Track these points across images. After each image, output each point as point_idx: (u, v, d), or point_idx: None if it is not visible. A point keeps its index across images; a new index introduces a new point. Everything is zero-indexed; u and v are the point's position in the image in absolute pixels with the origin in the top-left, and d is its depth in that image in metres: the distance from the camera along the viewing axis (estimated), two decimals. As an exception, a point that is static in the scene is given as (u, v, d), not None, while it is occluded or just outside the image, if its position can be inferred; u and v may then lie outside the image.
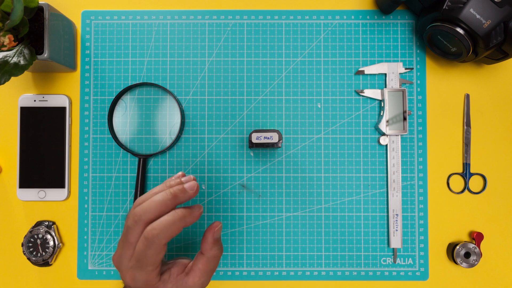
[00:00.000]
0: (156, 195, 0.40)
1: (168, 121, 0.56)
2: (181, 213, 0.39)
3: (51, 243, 0.54)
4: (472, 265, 0.53)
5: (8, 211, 0.56)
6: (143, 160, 0.55)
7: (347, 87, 0.56)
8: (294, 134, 0.56)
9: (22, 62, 0.46)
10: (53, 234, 0.54)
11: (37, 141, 0.55)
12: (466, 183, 0.55)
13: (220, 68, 0.56)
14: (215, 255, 0.42)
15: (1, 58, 0.46)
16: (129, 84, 0.56)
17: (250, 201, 0.55)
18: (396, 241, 0.54)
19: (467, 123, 0.56)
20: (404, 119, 0.54)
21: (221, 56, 0.57)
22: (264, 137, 0.50)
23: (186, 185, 0.40)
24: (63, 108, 0.55)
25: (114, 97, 0.56)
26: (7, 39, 0.43)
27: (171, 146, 0.55)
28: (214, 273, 0.55)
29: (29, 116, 0.55)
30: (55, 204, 0.56)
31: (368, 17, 0.57)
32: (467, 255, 0.53)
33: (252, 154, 0.56)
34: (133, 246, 0.39)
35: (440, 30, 0.49)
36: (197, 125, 0.56)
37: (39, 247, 0.53)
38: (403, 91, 0.55)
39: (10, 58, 0.46)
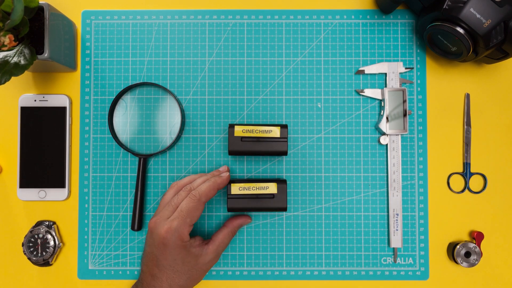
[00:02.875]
0: (201, 176, 0.51)
1: (168, 121, 0.56)
2: (216, 179, 0.50)
3: (52, 243, 0.54)
4: (472, 265, 0.53)
5: (9, 211, 0.56)
6: (143, 160, 0.55)
7: (347, 87, 0.56)
8: (294, 133, 0.56)
9: (22, 62, 0.46)
10: (54, 234, 0.54)
11: (38, 141, 0.55)
12: (466, 183, 0.55)
13: (220, 68, 0.56)
14: (234, 232, 0.52)
15: (1, 58, 0.46)
16: (129, 84, 0.56)
17: (250, 201, 0.55)
18: (396, 241, 0.54)
19: (467, 122, 0.56)
20: (404, 118, 0.54)
21: (221, 56, 0.57)
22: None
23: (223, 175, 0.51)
24: (64, 108, 0.55)
25: (114, 97, 0.56)
26: (7, 39, 0.44)
27: (171, 146, 0.55)
28: (215, 273, 0.55)
29: (29, 116, 0.55)
30: (56, 204, 0.56)
31: (368, 16, 0.57)
32: (468, 254, 0.53)
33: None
34: (175, 207, 0.48)
35: (440, 30, 0.49)
36: (197, 125, 0.56)
37: (39, 247, 0.53)
38: (403, 91, 0.55)
39: (11, 58, 0.46)
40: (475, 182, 0.56)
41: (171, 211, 0.48)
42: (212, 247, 0.49)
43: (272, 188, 0.51)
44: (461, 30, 0.48)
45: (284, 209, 0.50)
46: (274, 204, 0.51)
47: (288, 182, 0.56)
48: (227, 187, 0.52)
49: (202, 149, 0.56)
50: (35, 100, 0.55)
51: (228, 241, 0.51)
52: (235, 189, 0.51)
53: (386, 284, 0.55)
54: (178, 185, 0.51)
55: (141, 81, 0.56)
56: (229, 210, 0.50)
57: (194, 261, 0.48)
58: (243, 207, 0.50)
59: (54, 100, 0.55)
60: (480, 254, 0.53)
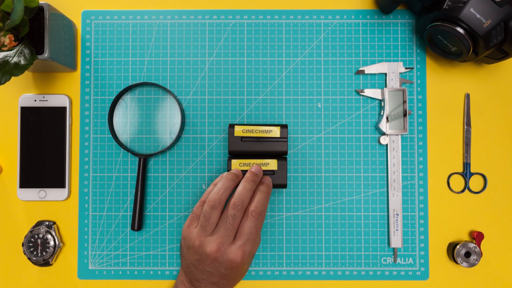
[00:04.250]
0: (242, 186, 0.49)
1: (168, 121, 0.56)
2: (265, 189, 0.49)
3: (52, 243, 0.54)
4: (472, 265, 0.53)
5: (9, 211, 0.56)
6: (144, 160, 0.55)
7: (347, 87, 0.56)
8: (294, 133, 0.56)
9: (22, 62, 0.46)
10: (54, 234, 0.54)
11: (38, 141, 0.55)
12: (466, 183, 0.55)
13: (220, 68, 0.56)
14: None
15: (1, 58, 0.46)
16: (129, 84, 0.56)
17: (250, 201, 0.55)
18: (396, 241, 0.54)
19: (467, 122, 0.56)
20: (404, 118, 0.54)
21: (221, 56, 0.57)
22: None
23: (253, 169, 0.50)
24: (64, 108, 0.55)
25: (114, 97, 0.56)
26: (7, 39, 0.44)
27: (171, 146, 0.55)
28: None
29: (29, 116, 0.55)
30: (56, 204, 0.56)
31: (368, 16, 0.57)
32: (468, 254, 0.53)
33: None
34: (234, 229, 0.47)
35: (440, 30, 0.49)
36: (197, 125, 0.56)
37: (39, 247, 0.53)
38: (403, 91, 0.55)
39: (11, 58, 0.46)
40: (475, 182, 0.56)
41: (231, 234, 0.47)
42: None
43: (272, 164, 0.51)
44: (461, 30, 0.48)
45: (284, 185, 0.51)
46: (275, 181, 0.51)
47: (288, 182, 0.56)
48: (227, 163, 0.52)
49: (202, 149, 0.56)
50: (35, 100, 0.55)
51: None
52: (236, 165, 0.51)
53: (386, 284, 0.55)
54: (212, 201, 0.48)
55: (141, 81, 0.56)
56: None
57: (245, 272, 0.50)
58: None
59: (54, 100, 0.55)
60: (480, 254, 0.53)
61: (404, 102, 0.54)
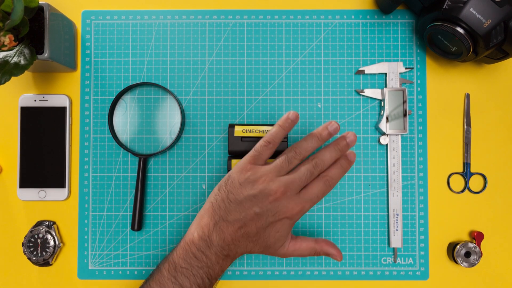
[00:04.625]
0: (328, 150, 0.48)
1: (168, 121, 0.56)
2: (346, 165, 0.48)
3: (52, 243, 0.54)
4: (472, 265, 0.53)
5: (9, 211, 0.56)
6: (143, 160, 0.55)
7: (347, 87, 0.56)
8: (294, 133, 0.56)
9: (22, 62, 0.46)
10: (54, 234, 0.54)
11: (38, 141, 0.55)
12: (466, 183, 0.55)
13: (220, 68, 0.56)
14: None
15: (1, 58, 0.46)
16: (129, 84, 0.56)
17: (250, 201, 0.55)
18: (396, 241, 0.54)
19: (467, 122, 0.56)
20: (404, 118, 0.54)
21: (221, 56, 0.57)
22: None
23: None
24: (64, 108, 0.55)
25: (114, 97, 0.56)
26: (7, 39, 0.44)
27: (171, 146, 0.55)
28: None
29: (29, 116, 0.55)
30: (56, 204, 0.56)
31: (368, 16, 0.57)
32: (468, 254, 0.53)
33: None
34: (302, 183, 0.46)
35: (440, 30, 0.49)
36: (197, 125, 0.56)
37: (39, 247, 0.53)
38: (403, 91, 0.55)
39: (11, 58, 0.46)
40: (475, 182, 0.56)
41: (299, 187, 0.46)
42: (292, 247, 0.48)
43: None
44: (461, 30, 0.48)
45: None
46: None
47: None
48: (227, 163, 0.52)
49: (202, 149, 0.56)
50: (35, 100, 0.55)
51: (307, 255, 0.49)
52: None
53: (386, 284, 0.55)
54: (303, 150, 0.48)
55: (141, 81, 0.56)
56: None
57: (279, 247, 0.47)
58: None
59: (54, 100, 0.55)
60: (480, 254, 0.53)
61: (404, 102, 0.54)
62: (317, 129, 0.49)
